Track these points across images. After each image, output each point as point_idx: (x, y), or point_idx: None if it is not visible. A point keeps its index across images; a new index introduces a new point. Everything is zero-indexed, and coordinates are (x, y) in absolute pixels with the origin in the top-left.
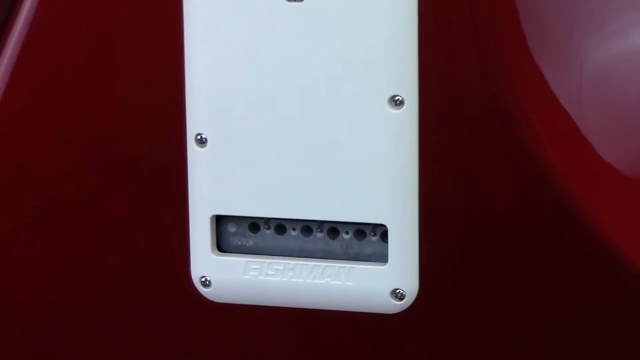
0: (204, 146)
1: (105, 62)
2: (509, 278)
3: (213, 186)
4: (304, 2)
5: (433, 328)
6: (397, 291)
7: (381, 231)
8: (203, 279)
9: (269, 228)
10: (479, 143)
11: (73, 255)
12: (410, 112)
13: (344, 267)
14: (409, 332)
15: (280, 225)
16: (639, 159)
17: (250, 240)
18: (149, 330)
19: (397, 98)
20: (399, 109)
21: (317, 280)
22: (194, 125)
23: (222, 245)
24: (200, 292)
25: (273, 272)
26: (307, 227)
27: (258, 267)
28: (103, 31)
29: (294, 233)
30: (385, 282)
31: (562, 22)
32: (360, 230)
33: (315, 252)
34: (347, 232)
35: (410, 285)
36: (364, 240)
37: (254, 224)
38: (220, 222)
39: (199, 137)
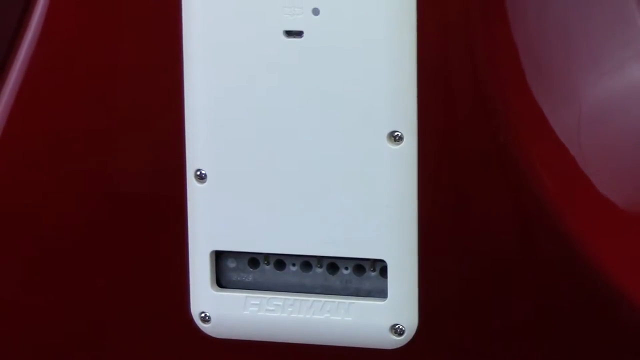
0: (204, 182)
1: (105, 98)
2: (508, 313)
3: (213, 222)
4: (303, 38)
5: None
6: (397, 327)
7: (380, 266)
8: (203, 315)
9: (268, 263)
10: (478, 179)
11: (72, 290)
12: (410, 147)
13: (344, 302)
14: None
15: (280, 261)
16: (638, 194)
17: (250, 275)
18: None
19: (396, 134)
20: (398, 144)
21: (317, 315)
22: (193, 161)
23: (221, 280)
24: (200, 327)
25: (273, 308)
26: (307, 262)
27: (258, 302)
28: (102, 67)
29: (293, 268)
30: (385, 318)
31: (561, 57)
32: (360, 265)
33: (315, 287)
34: (346, 268)
35: (409, 320)
36: (363, 275)
37: (254, 260)
38: (219, 257)
39: (198, 172)
